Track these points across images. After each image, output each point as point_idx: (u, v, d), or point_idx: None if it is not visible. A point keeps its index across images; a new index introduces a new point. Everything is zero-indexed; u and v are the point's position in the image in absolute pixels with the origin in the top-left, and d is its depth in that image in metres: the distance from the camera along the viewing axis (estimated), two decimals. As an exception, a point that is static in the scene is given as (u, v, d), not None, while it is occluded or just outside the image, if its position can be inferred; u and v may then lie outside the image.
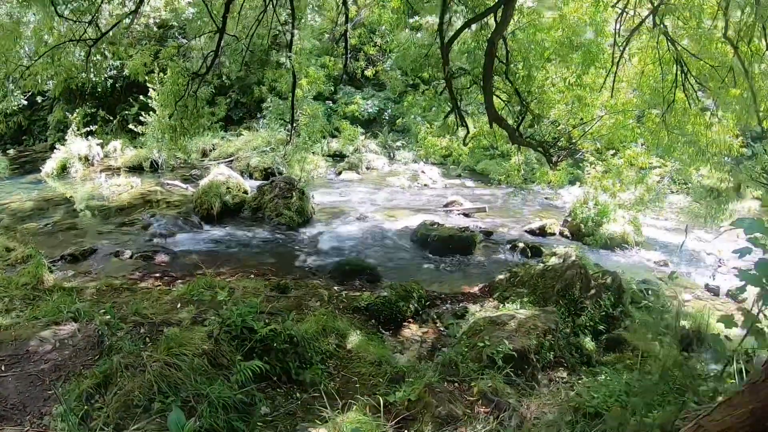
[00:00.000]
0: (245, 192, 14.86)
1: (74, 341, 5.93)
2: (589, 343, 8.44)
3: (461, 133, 13.23)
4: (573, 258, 11.94)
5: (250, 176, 17.85)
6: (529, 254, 13.38)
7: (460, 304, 9.95)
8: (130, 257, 10.80)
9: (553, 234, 15.03)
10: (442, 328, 9.04)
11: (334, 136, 21.15)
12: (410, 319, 9.06)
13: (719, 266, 13.76)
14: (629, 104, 13.58)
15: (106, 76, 21.55)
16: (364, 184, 18.54)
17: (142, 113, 17.60)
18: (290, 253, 11.83)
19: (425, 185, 19.09)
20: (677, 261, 14.19)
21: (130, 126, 18.60)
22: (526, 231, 15.17)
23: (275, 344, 5.80)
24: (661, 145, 13.48)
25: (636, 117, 14.19)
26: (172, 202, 14.20)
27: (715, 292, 11.82)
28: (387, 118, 23.20)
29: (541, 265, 11.47)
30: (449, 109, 12.18)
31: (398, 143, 22.30)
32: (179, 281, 9.52)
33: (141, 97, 18.52)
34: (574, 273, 10.43)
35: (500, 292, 10.56)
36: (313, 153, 19.27)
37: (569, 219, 15.44)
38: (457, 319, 9.25)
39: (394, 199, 17.19)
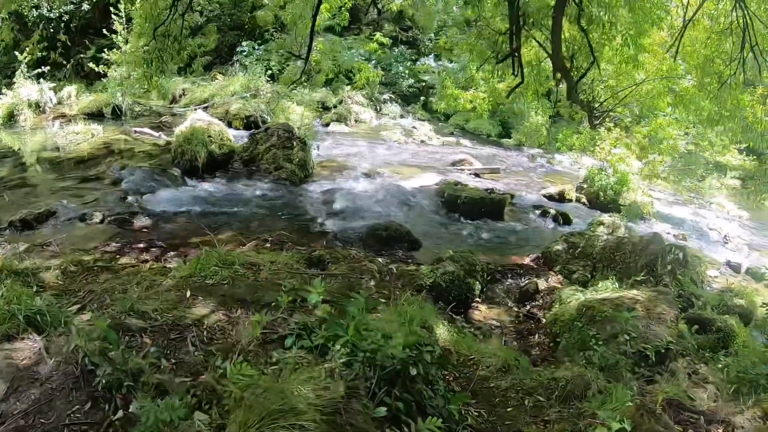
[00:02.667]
0: (229, 141, 11.75)
1: (41, 374, 3.11)
2: (682, 324, 6.94)
3: (499, 84, 10.57)
4: (621, 228, 9.84)
5: (229, 125, 14.69)
6: (561, 221, 11.47)
7: (524, 279, 8.28)
8: (101, 222, 7.84)
9: (571, 200, 13.15)
10: (516, 309, 7.53)
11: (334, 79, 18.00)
12: (477, 299, 7.33)
13: (726, 242, 12.93)
14: (674, 70, 11.42)
15: (61, 11, 17.99)
16: (356, 138, 15.72)
17: (105, 51, 14.61)
18: (302, 215, 9.04)
19: (422, 141, 16.53)
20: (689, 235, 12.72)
21: (92, 66, 15.15)
22: (544, 196, 13.20)
23: (410, 370, 3.10)
24: (701, 117, 11.82)
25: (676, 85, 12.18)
26: (144, 152, 11.00)
27: (735, 269, 10.86)
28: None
29: (606, 236, 9.34)
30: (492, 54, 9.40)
31: (385, 96, 19.43)
32: (172, 254, 6.74)
33: (101, 38, 15.21)
34: (657, 247, 8.52)
35: (561, 264, 8.79)
36: (296, 103, 16.35)
37: (584, 185, 13.59)
38: (527, 299, 7.78)
39: (395, 154, 14.51)
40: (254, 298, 5.05)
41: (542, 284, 8.16)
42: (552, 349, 6.53)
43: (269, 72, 17.79)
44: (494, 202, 10.60)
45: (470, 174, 13.48)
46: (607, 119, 12.31)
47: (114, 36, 14.00)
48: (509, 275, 8.36)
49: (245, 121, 14.76)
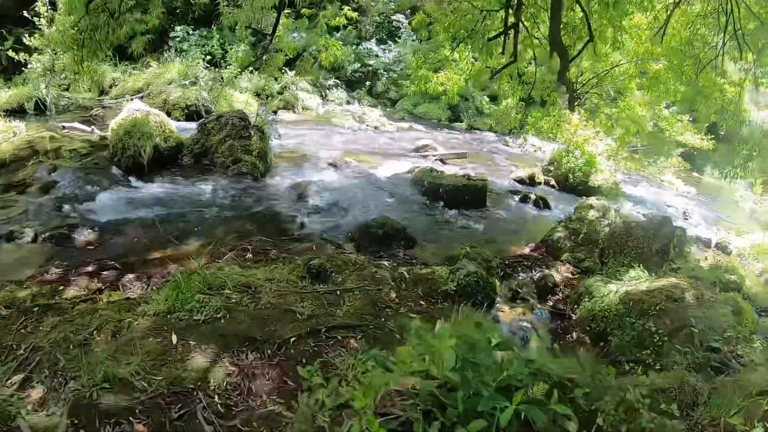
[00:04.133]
0: (174, 133, 9.92)
1: None
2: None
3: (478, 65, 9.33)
4: (611, 211, 9.09)
5: (168, 116, 12.75)
6: (541, 206, 10.56)
7: (534, 271, 7.32)
8: (34, 240, 6.00)
9: (540, 183, 12.30)
10: (539, 305, 6.65)
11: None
12: (498, 298, 6.36)
13: (686, 218, 12.37)
14: (650, 53, 10.74)
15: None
16: (307, 125, 14.17)
17: (26, 38, 12.40)
18: (276, 214, 7.53)
19: (376, 128, 15.18)
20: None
21: (11, 54, 12.81)
22: (514, 180, 12.23)
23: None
24: (675, 99, 11.61)
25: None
26: (76, 150, 9.01)
27: (707, 244, 10.27)
28: (314, 52, 18.58)
29: (608, 221, 8.36)
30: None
31: (330, 82, 17.89)
32: (132, 278, 5.13)
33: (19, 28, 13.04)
34: (669, 231, 7.93)
35: (568, 252, 7.96)
36: (239, 90, 14.61)
37: (551, 168, 12.85)
38: (547, 293, 6.92)
39: (353, 142, 13.10)
40: (265, 335, 3.63)
41: (556, 276, 7.17)
42: (598, 348, 5.71)
43: (209, 58, 15.87)
44: (477, 189, 9.44)
45: (436, 160, 12.28)
46: (583, 102, 11.36)
47: (36, 19, 11.77)
48: (519, 268, 7.34)
49: (186, 111, 12.91)
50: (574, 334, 6.21)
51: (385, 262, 5.98)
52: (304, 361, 3.51)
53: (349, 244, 6.69)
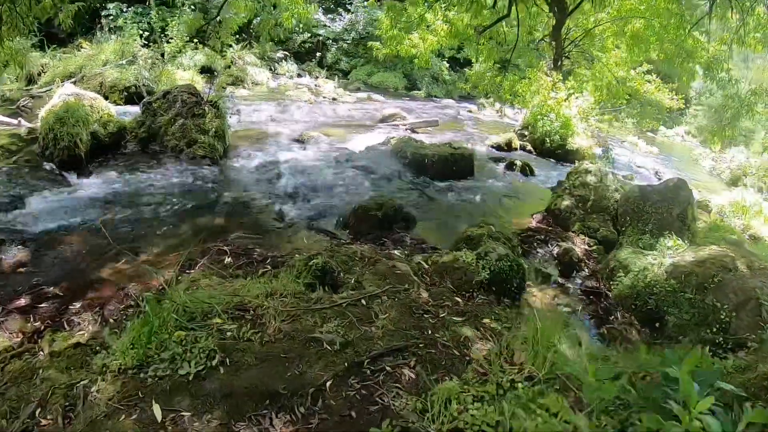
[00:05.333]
0: (113, 118, 8.31)
1: None
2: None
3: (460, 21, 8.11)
4: (609, 175, 8.33)
5: (105, 99, 11.05)
6: (528, 173, 9.73)
7: (551, 246, 6.36)
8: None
9: (517, 149, 11.40)
10: (568, 284, 5.67)
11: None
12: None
13: (660, 179, 11.67)
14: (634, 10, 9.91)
15: None
16: (261, 101, 12.67)
17: None
18: (247, 202, 6.20)
19: (334, 99, 13.87)
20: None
21: None
22: (492, 146, 11.28)
23: None
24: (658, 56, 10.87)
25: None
26: (1, 147, 7.37)
27: (705, 209, 9.43)
28: (259, 23, 16.88)
29: (617, 185, 7.49)
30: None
31: (279, 54, 16.34)
32: (79, 307, 3.81)
33: None
34: (686, 194, 6.86)
35: (578, 222, 7.12)
36: (182, 68, 12.93)
37: (526, 133, 11.99)
38: (572, 269, 5.96)
39: (313, 115, 11.75)
40: (289, 384, 2.44)
41: (576, 250, 6.16)
42: (652, 329, 4.93)
43: (146, 34, 14.03)
44: (464, 159, 8.39)
45: (406, 129, 11.11)
46: (566, 60, 10.38)
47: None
48: (534, 244, 6.38)
49: (125, 93, 11.20)
50: (618, 315, 5.31)
51: (396, 252, 4.81)
52: (354, 414, 2.36)
53: (344, 232, 5.47)
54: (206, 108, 7.96)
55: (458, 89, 18.21)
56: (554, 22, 7.59)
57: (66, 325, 3.44)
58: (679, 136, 22.78)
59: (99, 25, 14.47)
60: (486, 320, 3.87)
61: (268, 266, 4.40)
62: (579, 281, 5.84)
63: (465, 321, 3.73)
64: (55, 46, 13.90)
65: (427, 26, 9.46)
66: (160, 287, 4.05)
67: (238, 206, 5.96)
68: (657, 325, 5.03)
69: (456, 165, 8.23)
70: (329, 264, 4.07)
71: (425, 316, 3.62)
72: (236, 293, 3.41)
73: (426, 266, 4.62)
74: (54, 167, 6.99)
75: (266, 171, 7.32)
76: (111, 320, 3.70)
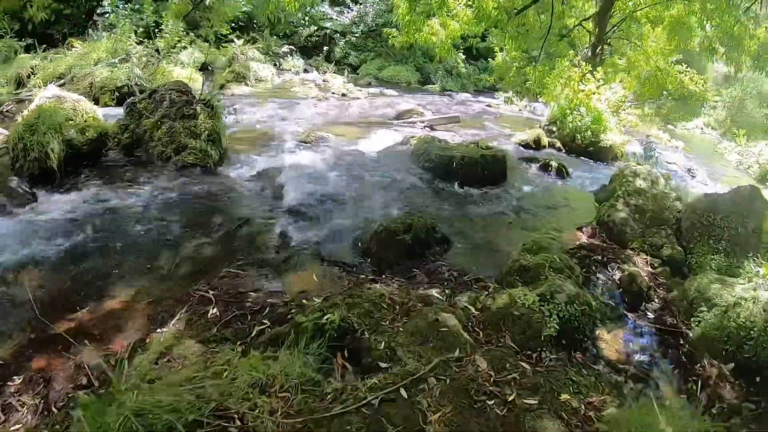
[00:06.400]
0: (96, 121, 7.14)
1: None
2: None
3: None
4: (661, 179, 6.95)
5: (96, 102, 9.93)
6: (565, 174, 8.47)
7: (611, 269, 5.15)
8: None
9: (545, 147, 10.14)
10: (640, 321, 4.49)
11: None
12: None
13: (693, 176, 10.83)
14: None
15: None
16: (264, 98, 11.51)
17: None
18: (244, 223, 4.97)
19: (344, 95, 12.68)
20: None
21: None
22: (518, 144, 10.04)
23: None
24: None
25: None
26: None
27: None
28: (263, 18, 15.73)
29: (675, 194, 6.31)
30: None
31: (284, 49, 15.16)
32: (19, 383, 2.79)
33: None
34: (760, 204, 5.82)
35: (638, 237, 5.87)
36: (180, 65, 11.79)
37: (553, 128, 10.69)
38: (639, 300, 4.76)
39: (322, 113, 10.58)
40: None
41: (642, 274, 4.97)
42: (748, 384, 3.87)
43: (141, 31, 12.91)
44: (496, 161, 7.19)
45: (425, 127, 9.92)
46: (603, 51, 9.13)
47: None
48: (591, 265, 5.11)
49: (117, 94, 10.10)
50: (706, 364, 4.12)
51: (435, 292, 3.63)
52: None
53: (364, 262, 4.30)
54: (198, 108, 6.80)
55: (473, 83, 17.01)
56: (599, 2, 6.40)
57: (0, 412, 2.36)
58: (699, 129, 21.58)
59: (91, 22, 13.38)
60: (564, 396, 2.71)
61: (266, 322, 3.24)
62: (650, 315, 4.68)
63: (540, 403, 2.57)
64: (45, 46, 12.86)
65: (448, 12, 8.27)
66: (124, 353, 2.93)
67: (231, 229, 4.78)
68: (757, 379, 3.88)
69: (487, 168, 7.04)
70: (349, 321, 2.90)
71: (489, 402, 2.46)
72: (218, 384, 2.25)
73: (475, 312, 3.45)
74: (23, 181, 5.87)
75: (267, 180, 6.16)
76: (54, 408, 2.61)
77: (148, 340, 3.25)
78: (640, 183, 6.86)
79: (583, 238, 5.91)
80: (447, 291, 3.73)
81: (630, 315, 4.58)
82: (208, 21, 7.63)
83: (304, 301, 3.46)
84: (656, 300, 4.86)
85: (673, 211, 6.05)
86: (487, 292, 3.70)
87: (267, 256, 4.23)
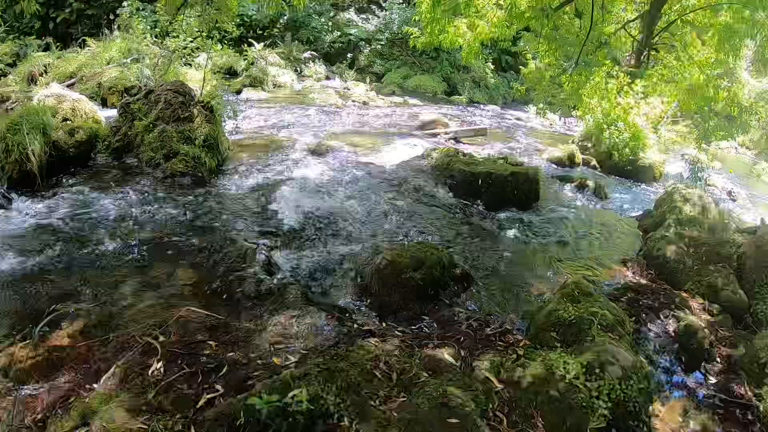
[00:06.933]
0: (96, 123, 6.46)
1: None
2: None
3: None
4: (712, 205, 6.08)
5: (104, 103, 9.42)
6: (603, 195, 7.50)
7: (665, 317, 4.16)
8: None
9: (579, 164, 9.15)
10: (702, 389, 3.56)
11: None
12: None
13: (734, 200, 9.83)
14: None
15: None
16: (281, 105, 10.80)
17: None
18: (222, 247, 4.16)
19: (365, 103, 11.89)
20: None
21: None
22: (550, 161, 9.05)
23: None
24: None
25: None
26: None
27: None
28: (285, 23, 15.10)
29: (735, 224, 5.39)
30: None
31: (306, 54, 14.46)
32: None
33: None
34: None
35: (693, 276, 4.87)
36: (195, 68, 11.16)
37: (588, 145, 9.73)
38: (698, 359, 3.81)
39: (338, 121, 9.81)
40: None
41: (701, 325, 4.06)
42: None
43: (157, 30, 12.36)
44: (527, 179, 6.28)
45: (449, 139, 9.08)
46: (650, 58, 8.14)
47: None
48: (642, 313, 4.17)
49: (125, 95, 9.47)
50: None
51: (446, 354, 2.76)
52: None
53: (361, 304, 3.44)
54: (195, 110, 6.06)
55: (502, 95, 16.11)
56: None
57: None
58: (733, 149, 20.35)
59: (105, 21, 12.89)
60: None
61: (219, 388, 2.41)
62: (712, 379, 3.75)
63: None
64: (60, 45, 12.44)
65: (476, 12, 7.42)
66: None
67: (206, 253, 3.98)
68: None
69: (517, 188, 6.15)
70: (323, 401, 2.05)
71: None
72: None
73: (497, 385, 2.57)
74: (2, 186, 5.25)
75: (263, 195, 5.36)
76: None
77: (72, 399, 2.49)
78: (690, 209, 5.93)
79: (630, 276, 4.98)
80: (462, 351, 2.86)
81: (687, 379, 3.66)
82: (206, 13, 6.90)
83: (273, 359, 2.64)
84: (718, 359, 3.92)
85: (734, 245, 5.07)
86: (515, 356, 2.81)
87: (242, 291, 3.41)
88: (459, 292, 3.70)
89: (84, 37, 12.61)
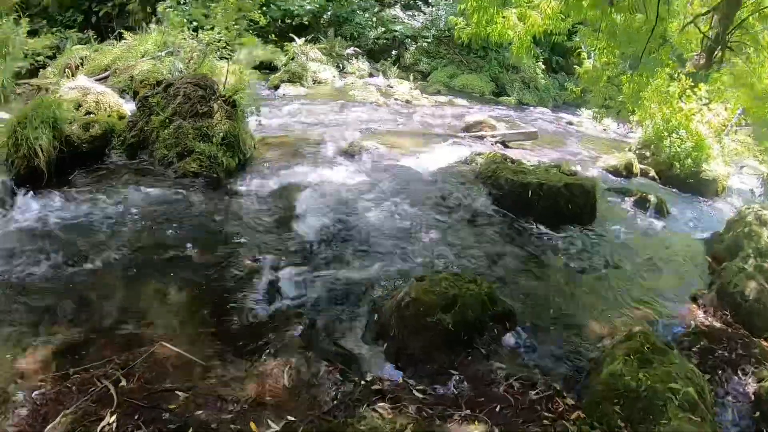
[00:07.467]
0: (122, 118, 6.01)
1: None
2: None
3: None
4: None
5: (134, 96, 9.01)
6: (665, 213, 6.62)
7: (740, 375, 3.37)
8: None
9: (636, 175, 8.25)
10: None
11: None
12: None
13: None
14: None
15: None
16: (317, 101, 10.24)
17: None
18: (220, 266, 3.56)
19: (407, 102, 11.23)
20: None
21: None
22: (605, 170, 8.17)
23: None
24: None
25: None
26: None
27: None
28: (329, 18, 14.56)
29: None
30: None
31: (349, 51, 13.89)
32: None
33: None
34: None
35: None
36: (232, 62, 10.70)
37: (647, 153, 8.78)
38: None
39: (377, 120, 9.16)
40: None
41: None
42: None
43: (194, 24, 12.01)
44: (583, 192, 5.49)
45: (496, 143, 8.33)
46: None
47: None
48: (717, 368, 3.45)
49: (156, 88, 9.13)
50: None
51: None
52: None
53: (374, 351, 2.78)
54: (215, 105, 5.52)
55: (553, 97, 15.19)
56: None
57: None
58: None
59: (143, 15, 12.65)
60: None
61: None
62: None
63: None
64: (96, 37, 12.23)
65: (528, 2, 6.66)
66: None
67: (203, 270, 3.40)
68: None
69: (572, 201, 5.38)
70: None
71: None
72: None
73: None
74: (7, 183, 4.86)
75: (282, 201, 4.78)
76: None
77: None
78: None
79: (701, 316, 4.16)
80: (497, 429, 2.17)
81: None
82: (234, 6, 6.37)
83: (251, 425, 2.02)
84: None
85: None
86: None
87: (232, 325, 2.81)
88: (498, 336, 2.99)
89: (120, 30, 12.40)
